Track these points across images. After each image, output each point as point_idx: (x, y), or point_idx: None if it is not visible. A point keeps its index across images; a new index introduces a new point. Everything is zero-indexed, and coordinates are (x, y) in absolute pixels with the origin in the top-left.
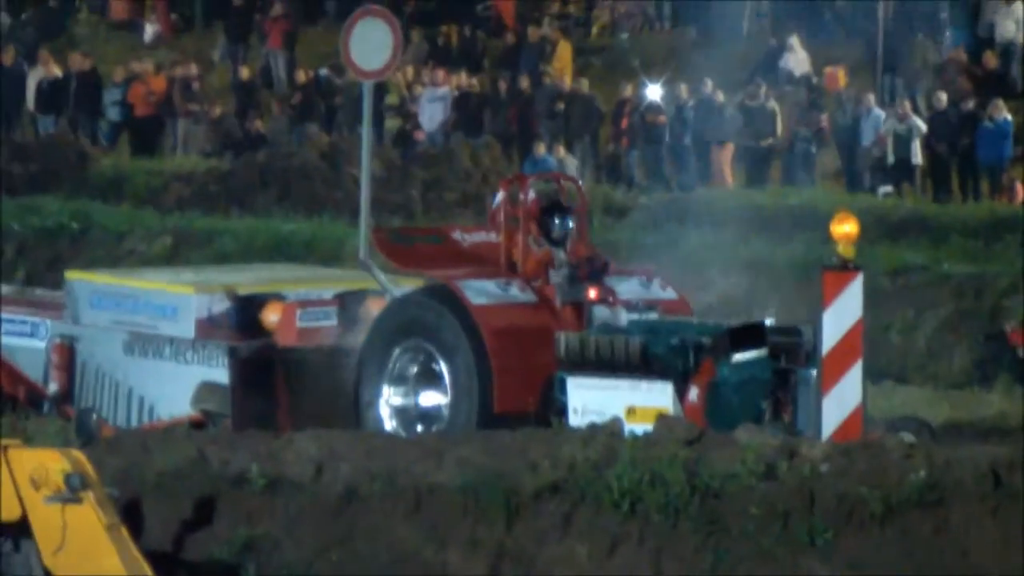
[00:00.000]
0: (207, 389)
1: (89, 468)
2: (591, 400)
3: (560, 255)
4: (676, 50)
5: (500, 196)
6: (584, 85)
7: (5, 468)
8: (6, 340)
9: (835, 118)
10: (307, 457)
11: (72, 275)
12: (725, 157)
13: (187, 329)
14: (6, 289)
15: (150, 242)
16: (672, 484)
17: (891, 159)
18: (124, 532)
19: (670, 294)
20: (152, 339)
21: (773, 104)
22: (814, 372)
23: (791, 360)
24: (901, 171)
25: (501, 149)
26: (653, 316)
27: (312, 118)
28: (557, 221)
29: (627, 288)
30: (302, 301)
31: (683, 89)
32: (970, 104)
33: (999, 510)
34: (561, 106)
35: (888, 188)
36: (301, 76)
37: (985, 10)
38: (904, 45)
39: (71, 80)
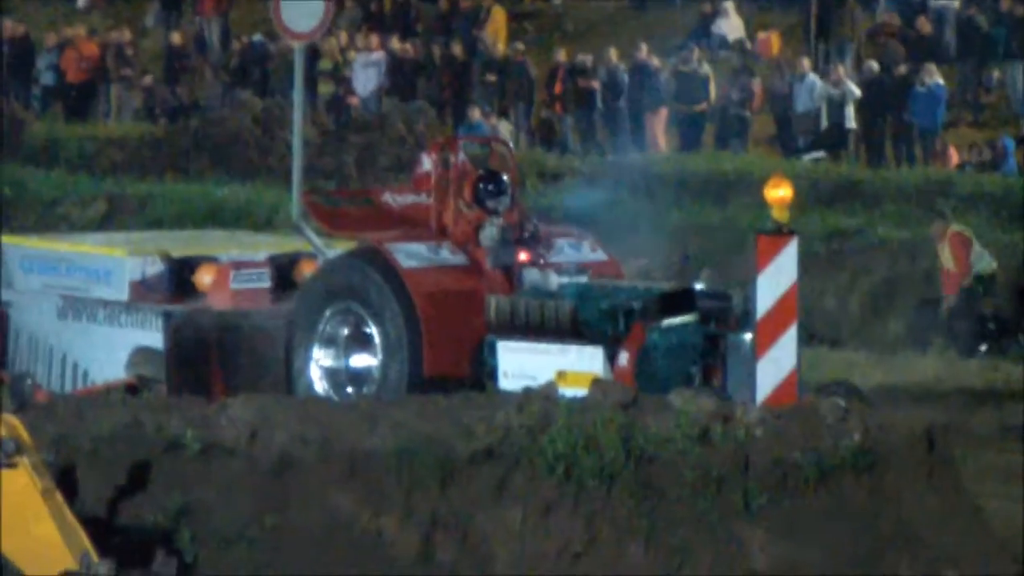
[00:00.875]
0: (141, 354)
1: (24, 433)
2: (521, 364)
3: (491, 217)
4: (610, 15)
5: (426, 158)
6: (518, 51)
7: None
8: None
9: (769, 83)
10: (241, 422)
11: (4, 239)
12: (659, 122)
13: (121, 292)
14: None
15: (84, 207)
16: (607, 449)
17: (825, 124)
18: (59, 497)
19: (601, 256)
20: (86, 303)
21: (707, 69)
22: (744, 336)
23: (721, 324)
24: (835, 136)
25: (435, 114)
26: (583, 279)
27: (246, 84)
28: (488, 185)
29: (558, 251)
30: (235, 263)
31: (615, 54)
32: (903, 69)
33: (932, 474)
34: (494, 72)
35: (818, 154)
36: (235, 42)
37: None
38: (837, 10)
39: (3, 46)
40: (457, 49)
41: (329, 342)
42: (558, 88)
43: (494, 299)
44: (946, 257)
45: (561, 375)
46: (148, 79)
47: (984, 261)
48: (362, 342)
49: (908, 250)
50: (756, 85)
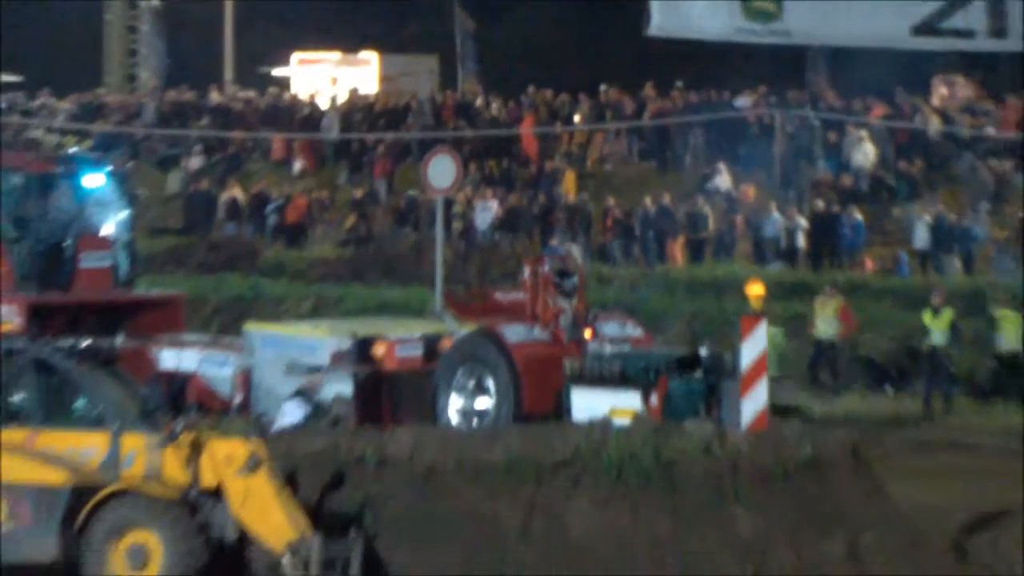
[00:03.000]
0: (338, 400)
1: (264, 451)
2: (588, 403)
3: (567, 308)
4: (643, 174)
5: (527, 271)
6: (583, 199)
7: (208, 453)
8: (207, 370)
9: (748, 219)
10: (404, 445)
11: (249, 326)
12: (676, 246)
13: (324, 360)
14: (206, 337)
15: (299, 304)
16: (644, 459)
17: (784, 245)
18: (288, 493)
19: (638, 332)
20: (301, 367)
21: (707, 210)
22: (733, 384)
23: (718, 376)
24: (791, 253)
25: (529, 242)
26: (627, 348)
27: (405, 223)
28: (565, 281)
29: (610, 329)
30: (400, 339)
31: (648, 201)
32: (835, 208)
33: (858, 473)
34: (567, 213)
35: (778, 265)
36: (395, 196)
37: (844, 145)
38: (793, 170)
39: (247, 199)
40: (542, 198)
41: (461, 390)
42: (609, 223)
43: (569, 361)
44: (827, 316)
45: (613, 410)
46: (343, 219)
47: (833, 328)
48: (483, 390)
49: None
50: (739, 220)
